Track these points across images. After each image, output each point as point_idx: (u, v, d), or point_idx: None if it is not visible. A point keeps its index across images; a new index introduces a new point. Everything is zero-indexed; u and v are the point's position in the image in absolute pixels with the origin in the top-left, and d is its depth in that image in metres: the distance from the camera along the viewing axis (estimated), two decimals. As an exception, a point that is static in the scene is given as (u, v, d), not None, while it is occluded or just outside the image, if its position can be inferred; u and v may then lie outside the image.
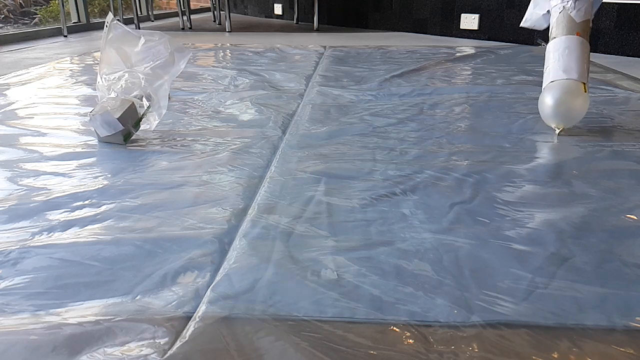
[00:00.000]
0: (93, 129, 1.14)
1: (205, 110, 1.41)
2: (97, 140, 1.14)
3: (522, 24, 1.47)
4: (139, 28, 3.54)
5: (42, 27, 3.55)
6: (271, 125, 1.26)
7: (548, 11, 1.32)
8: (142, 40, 1.23)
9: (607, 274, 0.63)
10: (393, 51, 2.53)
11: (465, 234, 0.73)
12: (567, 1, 1.27)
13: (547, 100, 1.20)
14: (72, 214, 0.79)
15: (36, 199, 0.85)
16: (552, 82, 1.22)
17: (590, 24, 1.24)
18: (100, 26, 3.79)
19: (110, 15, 1.06)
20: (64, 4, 3.43)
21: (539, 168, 0.98)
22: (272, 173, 0.96)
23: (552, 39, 1.29)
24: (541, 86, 1.39)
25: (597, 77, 1.81)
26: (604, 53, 2.49)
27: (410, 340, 0.51)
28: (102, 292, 0.59)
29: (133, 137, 1.14)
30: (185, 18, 3.88)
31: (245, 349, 0.50)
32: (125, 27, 1.04)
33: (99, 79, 1.20)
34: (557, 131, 1.19)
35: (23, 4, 4.04)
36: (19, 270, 0.64)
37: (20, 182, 0.91)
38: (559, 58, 1.25)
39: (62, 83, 1.80)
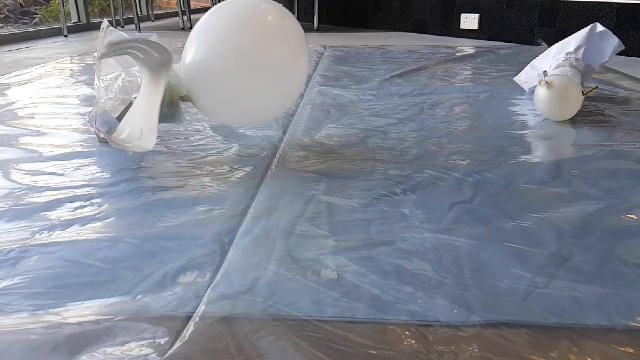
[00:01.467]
0: (93, 130, 1.14)
1: (205, 110, 1.41)
2: (97, 140, 1.14)
3: (515, 79, 1.64)
4: (139, 28, 3.54)
5: (42, 27, 3.55)
6: (271, 125, 1.26)
7: (545, 72, 1.42)
8: None
9: (607, 274, 0.63)
10: (393, 51, 2.53)
11: (465, 234, 0.73)
12: (571, 57, 1.40)
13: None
14: (72, 213, 0.79)
15: (36, 198, 0.85)
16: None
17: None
18: (100, 26, 3.79)
19: (105, 22, 1.07)
20: (65, 4, 3.43)
21: (539, 168, 0.98)
22: (272, 173, 0.96)
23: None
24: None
25: (597, 77, 1.80)
26: (604, 53, 2.49)
27: (411, 340, 0.51)
28: (102, 292, 0.59)
29: (133, 137, 1.14)
30: (185, 18, 3.88)
31: (245, 349, 0.50)
32: (120, 32, 1.05)
33: (96, 80, 1.20)
34: (547, 83, 1.25)
35: (23, 4, 4.04)
36: (19, 270, 0.64)
37: (20, 182, 0.91)
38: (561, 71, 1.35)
39: (62, 83, 1.80)
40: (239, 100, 0.96)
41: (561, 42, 1.48)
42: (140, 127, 0.94)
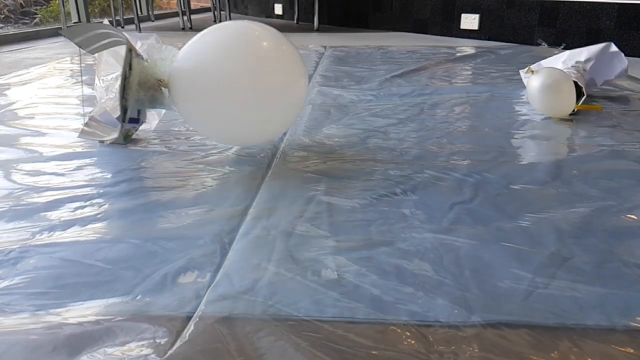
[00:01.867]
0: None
1: (205, 110, 1.41)
2: (97, 140, 1.14)
3: (521, 71, 1.67)
4: (139, 28, 3.54)
5: (42, 27, 3.55)
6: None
7: None
8: (139, 44, 1.23)
9: (607, 274, 0.63)
10: (393, 51, 2.53)
11: (465, 234, 0.73)
12: (579, 65, 1.44)
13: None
14: (73, 213, 0.79)
15: (36, 198, 0.85)
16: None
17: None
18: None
19: (105, 22, 1.07)
20: (65, 4, 3.43)
21: (539, 168, 0.98)
22: (273, 173, 0.96)
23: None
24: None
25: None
26: (604, 53, 2.49)
27: (411, 340, 0.51)
28: (102, 292, 0.59)
29: (133, 137, 1.14)
30: (185, 18, 3.88)
31: (245, 349, 0.50)
32: (121, 32, 1.05)
33: (97, 80, 1.20)
34: (529, 70, 1.35)
35: (23, 4, 4.04)
36: (19, 270, 0.64)
37: (20, 182, 0.91)
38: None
39: (62, 83, 1.80)
40: (230, 124, 0.94)
41: (574, 50, 1.52)
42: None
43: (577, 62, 1.44)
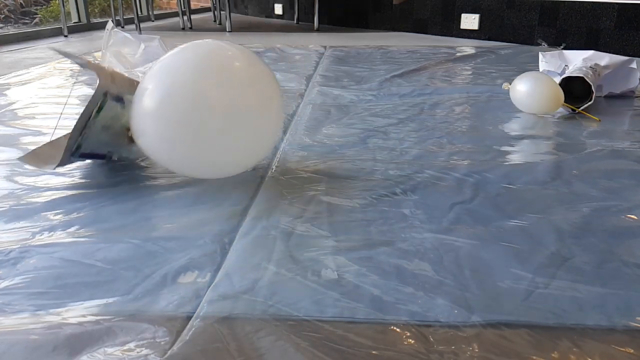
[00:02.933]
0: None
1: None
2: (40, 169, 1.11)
3: (540, 52, 1.67)
4: (140, 28, 3.54)
5: (42, 27, 3.55)
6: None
7: (566, 66, 1.51)
8: (142, 46, 1.23)
9: (607, 274, 0.63)
10: (393, 51, 2.53)
11: (465, 233, 0.73)
12: (598, 68, 1.44)
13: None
14: (72, 213, 0.79)
15: (36, 198, 0.85)
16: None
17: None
18: (100, 26, 3.78)
19: (110, 23, 1.06)
20: (65, 4, 3.43)
21: (539, 168, 0.98)
22: (273, 173, 0.96)
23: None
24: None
25: (598, 77, 1.81)
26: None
27: (411, 340, 0.51)
28: (102, 292, 0.59)
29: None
30: (185, 18, 3.88)
31: (245, 349, 0.50)
32: (125, 33, 1.04)
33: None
34: (505, 86, 1.41)
35: (23, 3, 4.04)
36: (19, 270, 0.64)
37: (20, 182, 0.91)
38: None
39: (62, 83, 1.80)
40: (196, 157, 0.82)
41: (598, 52, 1.53)
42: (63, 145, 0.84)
43: (596, 64, 1.45)
